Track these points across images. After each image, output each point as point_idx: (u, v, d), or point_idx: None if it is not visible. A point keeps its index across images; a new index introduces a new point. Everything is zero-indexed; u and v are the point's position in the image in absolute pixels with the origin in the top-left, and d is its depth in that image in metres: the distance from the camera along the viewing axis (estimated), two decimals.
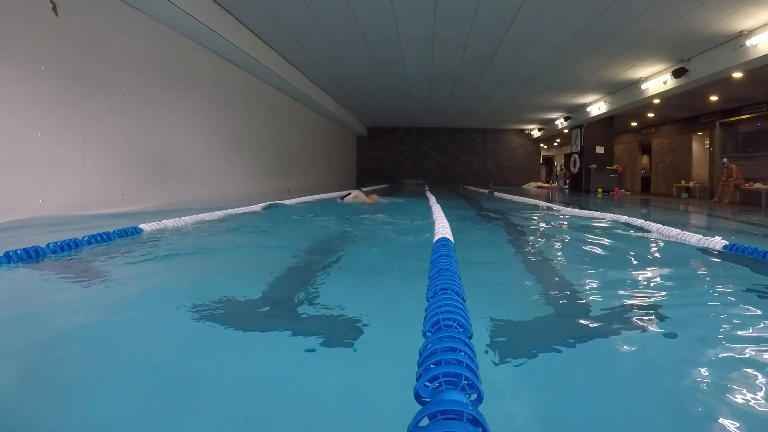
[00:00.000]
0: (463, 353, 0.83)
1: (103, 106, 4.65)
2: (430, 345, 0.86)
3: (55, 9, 4.01)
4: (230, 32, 6.45)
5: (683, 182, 14.14)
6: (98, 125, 4.59)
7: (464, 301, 1.31)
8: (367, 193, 7.12)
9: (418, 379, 0.78)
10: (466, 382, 0.73)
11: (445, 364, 0.76)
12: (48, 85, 3.97)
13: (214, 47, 6.70)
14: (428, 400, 0.72)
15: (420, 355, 0.87)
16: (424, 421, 0.67)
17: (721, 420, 0.88)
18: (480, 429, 0.65)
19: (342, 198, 6.54)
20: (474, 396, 0.75)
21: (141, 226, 3.02)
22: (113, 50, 4.81)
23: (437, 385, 0.74)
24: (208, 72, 6.85)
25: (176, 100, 6.02)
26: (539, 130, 18.77)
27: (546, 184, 20.23)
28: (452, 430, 0.61)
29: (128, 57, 5.05)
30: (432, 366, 0.78)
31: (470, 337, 1.01)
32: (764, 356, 1.18)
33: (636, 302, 1.70)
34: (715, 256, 2.69)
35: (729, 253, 2.68)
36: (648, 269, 2.53)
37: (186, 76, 6.24)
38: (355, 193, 6.63)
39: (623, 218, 4.33)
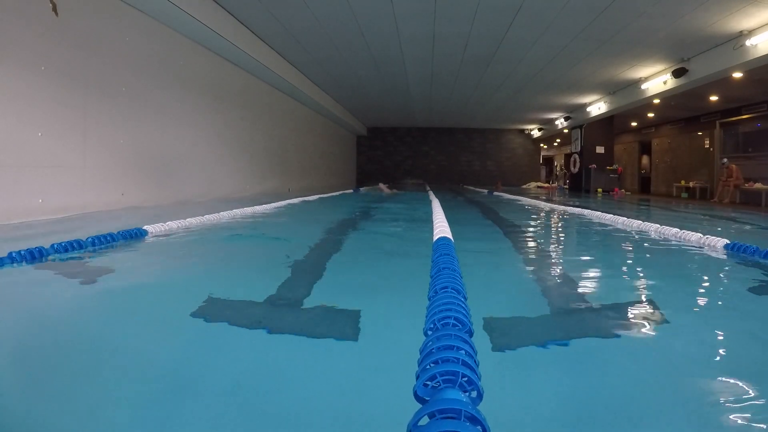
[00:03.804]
0: (463, 351, 0.83)
1: (103, 106, 4.65)
2: (430, 344, 0.86)
3: (55, 9, 4.01)
4: (230, 32, 6.45)
5: (683, 182, 14.13)
6: (98, 125, 4.59)
7: (466, 298, 1.31)
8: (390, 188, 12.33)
9: (417, 379, 0.78)
10: (465, 380, 0.73)
11: (443, 363, 0.76)
12: (48, 85, 3.97)
13: (214, 47, 6.70)
14: (428, 399, 0.72)
15: (420, 354, 0.88)
16: (425, 420, 0.67)
17: (720, 419, 0.88)
18: (479, 427, 0.65)
19: (381, 188, 11.80)
20: (474, 394, 0.75)
21: (146, 227, 3.02)
22: (113, 50, 4.81)
23: (436, 384, 0.74)
24: (208, 72, 6.85)
25: (176, 99, 6.02)
26: (539, 130, 18.76)
27: (546, 184, 20.23)
28: (450, 428, 0.61)
29: (128, 57, 5.05)
30: (431, 365, 0.78)
31: (471, 335, 1.01)
32: (764, 356, 1.18)
33: (635, 302, 1.70)
34: (715, 255, 2.69)
35: (730, 253, 2.68)
36: (647, 268, 2.53)
37: (186, 75, 6.24)
38: (384, 188, 11.76)
39: (621, 219, 4.33)
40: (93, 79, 4.50)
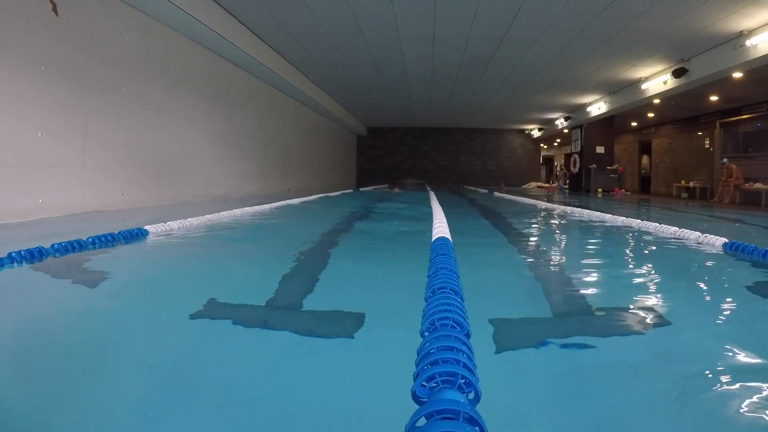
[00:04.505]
0: (461, 352, 0.84)
1: (103, 106, 4.66)
2: (427, 345, 0.86)
3: (55, 9, 4.01)
4: (230, 32, 6.45)
5: (683, 182, 14.13)
6: (98, 125, 4.59)
7: (463, 299, 1.31)
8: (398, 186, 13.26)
9: (415, 379, 0.78)
10: (463, 381, 0.73)
11: (442, 364, 0.76)
12: (48, 85, 3.98)
13: (213, 47, 6.70)
14: (425, 400, 0.72)
15: (417, 355, 0.88)
16: (422, 421, 0.67)
17: (718, 420, 0.88)
18: (477, 428, 0.65)
19: (390, 188, 12.78)
20: (471, 395, 0.75)
21: (146, 227, 3.02)
22: (113, 50, 4.81)
23: (434, 384, 0.74)
24: (208, 72, 6.85)
25: (176, 99, 6.02)
26: (539, 130, 18.76)
27: (546, 184, 20.22)
28: (448, 429, 0.61)
29: (128, 57, 5.05)
30: (428, 366, 0.78)
31: (469, 336, 1.01)
32: (763, 356, 1.18)
33: (634, 301, 1.71)
34: (714, 254, 2.69)
35: (728, 252, 2.69)
36: (646, 267, 2.53)
37: (186, 75, 6.24)
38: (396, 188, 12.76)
39: (621, 218, 4.34)
40: (93, 79, 4.50)
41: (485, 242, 3.40)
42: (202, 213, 3.93)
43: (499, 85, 11.21)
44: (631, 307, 1.61)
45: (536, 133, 19.21)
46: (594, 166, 14.68)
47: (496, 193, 11.48)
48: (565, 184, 19.26)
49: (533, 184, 18.88)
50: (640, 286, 2.04)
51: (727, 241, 2.79)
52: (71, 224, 3.62)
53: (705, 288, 2.02)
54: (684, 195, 13.63)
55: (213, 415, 0.87)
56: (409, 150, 20.10)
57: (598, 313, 1.54)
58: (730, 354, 1.19)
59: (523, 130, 20.03)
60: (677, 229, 3.36)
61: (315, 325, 1.39)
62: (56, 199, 4.08)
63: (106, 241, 2.59)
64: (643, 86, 9.90)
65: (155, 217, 3.69)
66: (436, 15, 6.54)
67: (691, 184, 13.75)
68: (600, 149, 14.98)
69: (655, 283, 2.08)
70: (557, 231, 4.35)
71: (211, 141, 7.01)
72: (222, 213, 4.23)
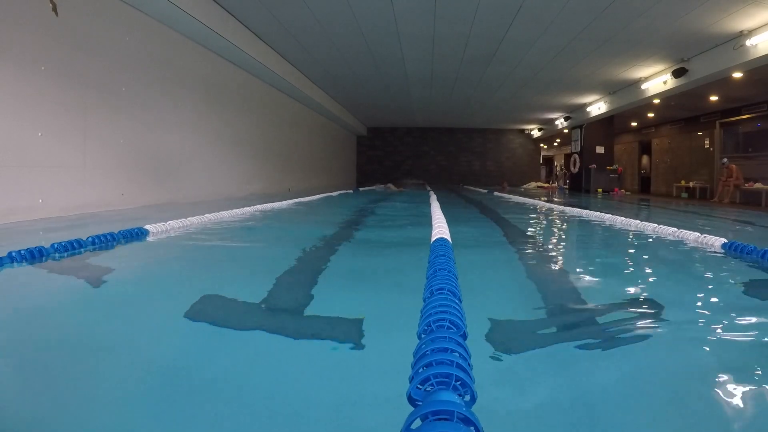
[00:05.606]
0: (457, 354, 0.84)
1: (103, 106, 4.66)
2: (423, 346, 0.86)
3: (55, 9, 4.01)
4: (230, 32, 6.45)
5: (683, 182, 14.13)
6: (98, 125, 4.60)
7: (460, 301, 1.31)
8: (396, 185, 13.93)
9: (410, 381, 0.78)
10: (458, 382, 0.74)
11: (436, 365, 0.77)
12: (48, 85, 3.98)
13: (213, 47, 6.70)
14: (420, 402, 0.72)
15: (414, 357, 0.88)
16: (417, 423, 0.67)
17: (716, 420, 0.88)
18: (473, 428, 0.66)
19: (385, 186, 13.79)
20: (468, 397, 0.75)
21: (146, 226, 3.03)
22: (113, 50, 4.81)
23: (430, 386, 0.75)
24: (207, 72, 6.85)
25: (176, 99, 6.02)
26: (539, 130, 18.76)
27: (546, 184, 20.23)
28: (443, 430, 0.62)
29: (128, 57, 5.05)
30: (424, 368, 0.78)
31: (465, 338, 1.02)
32: (762, 356, 1.19)
33: (633, 302, 1.71)
34: (713, 254, 2.69)
35: (728, 252, 2.69)
36: (645, 268, 2.54)
37: (186, 75, 6.24)
38: (391, 186, 13.60)
39: (620, 218, 4.34)
40: (93, 79, 4.51)
41: (484, 242, 3.41)
42: (202, 213, 3.93)
43: (499, 85, 11.20)
44: (630, 308, 1.62)
45: (536, 133, 19.20)
46: (594, 166, 14.69)
47: (496, 193, 11.48)
48: (565, 184, 19.26)
49: (533, 184, 18.89)
50: (638, 287, 2.05)
51: (726, 241, 2.79)
52: (71, 224, 3.62)
53: (704, 289, 2.02)
54: (684, 195, 13.62)
55: (212, 415, 0.87)
56: (409, 150, 20.10)
57: (594, 314, 1.54)
58: (729, 356, 1.19)
59: (523, 130, 20.03)
60: (676, 229, 3.36)
61: (314, 325, 1.39)
62: (56, 199, 4.08)
63: (106, 240, 2.59)
64: (643, 86, 9.90)
65: (155, 216, 3.69)
66: (436, 15, 6.54)
67: (691, 184, 13.75)
68: (600, 149, 14.98)
69: (655, 284, 2.08)
70: (556, 232, 4.35)
71: (211, 141, 7.01)
72: (222, 213, 4.24)
